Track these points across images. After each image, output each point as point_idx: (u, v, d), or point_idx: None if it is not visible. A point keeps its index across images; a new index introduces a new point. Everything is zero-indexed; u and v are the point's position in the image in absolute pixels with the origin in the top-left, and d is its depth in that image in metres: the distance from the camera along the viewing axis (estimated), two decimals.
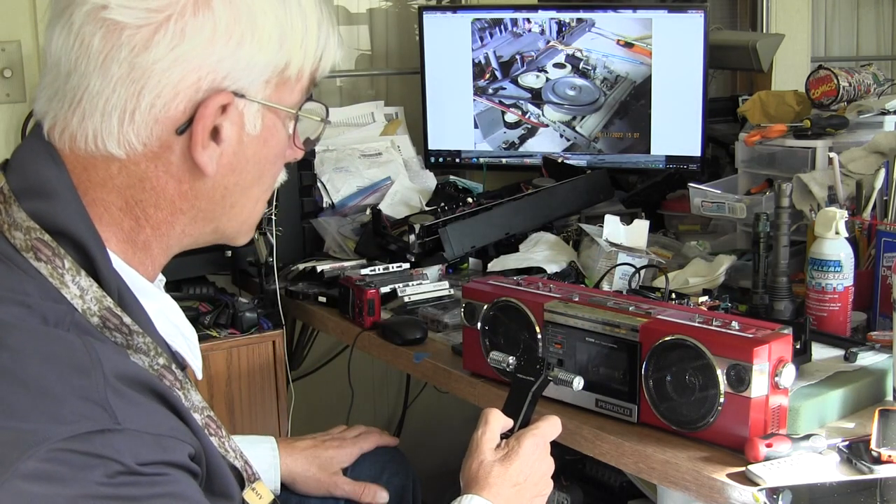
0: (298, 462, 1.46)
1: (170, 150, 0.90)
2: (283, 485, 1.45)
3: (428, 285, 1.89)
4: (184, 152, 0.91)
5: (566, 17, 2.46)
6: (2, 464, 0.75)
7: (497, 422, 1.23)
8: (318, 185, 2.31)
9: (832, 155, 1.79)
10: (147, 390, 0.85)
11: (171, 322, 0.98)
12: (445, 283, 1.91)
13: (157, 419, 0.84)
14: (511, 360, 1.34)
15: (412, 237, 2.02)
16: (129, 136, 0.88)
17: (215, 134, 0.91)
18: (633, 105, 2.46)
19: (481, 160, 2.59)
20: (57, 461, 0.76)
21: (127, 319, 0.89)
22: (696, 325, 1.24)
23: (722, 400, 1.18)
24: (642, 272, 1.82)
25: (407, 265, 2.00)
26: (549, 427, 1.24)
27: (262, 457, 1.42)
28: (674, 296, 1.67)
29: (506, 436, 1.23)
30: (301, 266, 2.11)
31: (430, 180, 2.48)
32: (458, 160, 2.62)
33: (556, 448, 1.27)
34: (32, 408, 0.77)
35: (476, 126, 2.58)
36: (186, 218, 0.95)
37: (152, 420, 0.83)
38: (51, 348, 0.81)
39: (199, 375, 1.03)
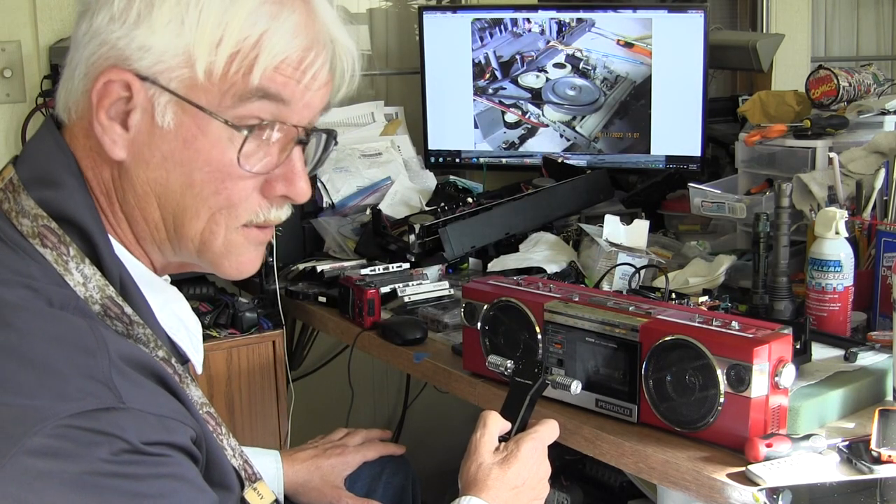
0: (300, 474, 1.45)
1: (93, 126, 0.90)
2: (286, 496, 1.44)
3: (428, 285, 1.89)
4: None
5: (566, 17, 2.46)
6: (9, 439, 0.76)
7: (495, 424, 1.23)
8: (319, 185, 2.31)
9: (832, 155, 1.79)
10: (150, 373, 0.85)
11: (175, 315, 0.98)
12: (445, 283, 1.90)
13: (160, 401, 0.85)
14: (509, 363, 1.32)
15: (412, 237, 2.01)
16: (69, 105, 0.92)
17: (126, 118, 0.90)
18: (633, 105, 2.46)
19: (481, 160, 2.59)
20: (63, 437, 0.76)
21: (128, 310, 0.89)
22: (696, 325, 1.24)
23: (722, 400, 1.18)
24: (642, 272, 1.82)
25: (407, 265, 2.00)
26: (548, 431, 1.24)
27: (266, 469, 1.40)
28: (674, 296, 1.67)
29: (504, 438, 1.23)
30: (301, 266, 2.11)
31: (430, 180, 2.48)
32: (458, 160, 2.62)
33: (557, 448, 1.27)
34: (38, 385, 0.78)
35: (476, 126, 2.58)
36: (126, 210, 0.93)
37: (155, 402, 0.84)
38: (57, 329, 0.82)
39: (200, 370, 1.03)
